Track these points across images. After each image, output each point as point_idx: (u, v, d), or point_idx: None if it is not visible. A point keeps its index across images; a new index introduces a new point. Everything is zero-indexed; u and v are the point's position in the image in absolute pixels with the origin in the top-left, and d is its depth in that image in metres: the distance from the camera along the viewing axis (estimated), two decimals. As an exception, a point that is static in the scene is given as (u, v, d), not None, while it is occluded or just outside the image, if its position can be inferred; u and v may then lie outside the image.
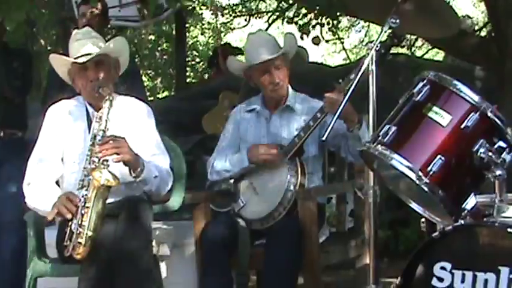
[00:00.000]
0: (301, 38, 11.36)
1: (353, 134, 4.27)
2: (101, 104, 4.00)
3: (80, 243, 3.71)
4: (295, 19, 11.57)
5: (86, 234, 3.70)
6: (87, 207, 3.74)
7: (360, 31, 20.89)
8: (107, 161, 3.80)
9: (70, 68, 4.20)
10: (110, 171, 3.77)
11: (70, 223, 3.77)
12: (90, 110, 4.17)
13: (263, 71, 4.51)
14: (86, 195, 3.77)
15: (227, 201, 4.58)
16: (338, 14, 9.57)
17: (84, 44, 4.16)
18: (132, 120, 4.24)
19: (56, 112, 4.28)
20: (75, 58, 4.14)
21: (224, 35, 21.58)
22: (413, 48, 14.67)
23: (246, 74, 4.65)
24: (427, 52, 16.58)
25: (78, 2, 7.28)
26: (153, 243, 4.14)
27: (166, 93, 21.63)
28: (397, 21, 3.34)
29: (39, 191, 4.06)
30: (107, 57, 4.19)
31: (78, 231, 3.71)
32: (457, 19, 3.50)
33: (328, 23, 11.85)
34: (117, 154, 3.84)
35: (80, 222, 3.72)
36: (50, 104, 4.61)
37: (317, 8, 9.05)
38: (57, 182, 4.20)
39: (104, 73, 4.12)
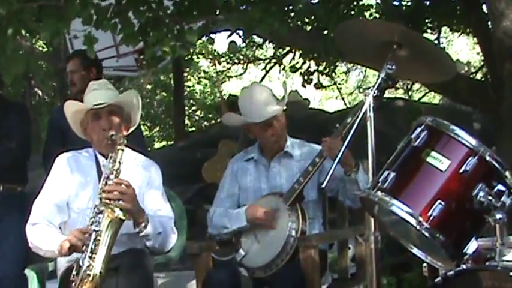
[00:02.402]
0: (303, 85, 11.44)
1: (350, 178, 4.28)
2: (112, 151, 4.03)
3: (88, 275, 3.70)
4: (297, 65, 11.66)
5: (95, 268, 3.70)
6: (98, 240, 3.75)
7: (359, 75, 21.06)
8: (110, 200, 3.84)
9: (83, 118, 4.25)
10: (121, 208, 3.80)
11: (78, 259, 3.78)
12: (101, 159, 4.19)
13: (264, 126, 4.52)
14: (98, 230, 3.78)
15: (228, 250, 4.57)
16: (334, 59, 9.64)
17: (100, 94, 4.23)
18: (140, 176, 4.25)
19: (65, 160, 4.30)
20: (92, 105, 4.20)
21: (221, 83, 21.73)
22: (410, 92, 14.76)
23: (244, 127, 4.66)
24: (424, 95, 16.66)
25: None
26: (155, 294, 4.12)
27: (164, 142, 21.70)
28: (393, 67, 3.37)
29: (43, 231, 4.06)
30: (120, 109, 4.25)
31: (88, 264, 3.71)
32: (453, 64, 3.52)
33: (324, 69, 11.95)
34: (122, 200, 3.86)
35: (90, 255, 3.73)
36: (49, 157, 4.62)
37: (314, 55, 9.12)
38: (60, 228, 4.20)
39: (116, 123, 4.18)
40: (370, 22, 4.43)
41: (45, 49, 14.32)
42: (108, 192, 3.86)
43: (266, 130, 4.53)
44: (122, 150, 4.02)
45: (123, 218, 3.80)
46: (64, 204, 4.18)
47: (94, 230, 3.79)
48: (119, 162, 3.99)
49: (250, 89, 4.69)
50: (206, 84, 23.96)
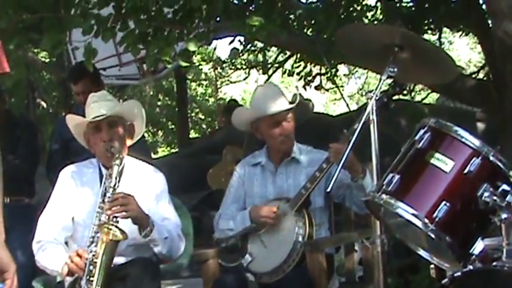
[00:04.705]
0: (304, 88, 11.47)
1: (357, 184, 4.28)
2: (111, 164, 4.04)
3: None
4: (297, 70, 11.70)
5: None
6: (96, 262, 3.77)
7: (360, 78, 21.06)
8: (116, 217, 3.86)
9: (85, 130, 4.25)
10: (117, 227, 3.81)
11: (80, 280, 3.80)
12: (104, 171, 4.19)
13: (273, 123, 4.52)
14: (95, 251, 3.81)
15: (235, 256, 4.57)
16: (336, 62, 9.65)
17: (100, 106, 4.22)
18: (145, 185, 4.27)
19: (69, 174, 4.31)
20: (90, 118, 4.20)
21: (219, 88, 21.79)
22: (413, 93, 14.75)
23: (253, 126, 4.66)
24: (427, 96, 16.66)
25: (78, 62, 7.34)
26: (163, 302, 4.13)
27: (168, 148, 21.71)
28: (395, 69, 3.38)
29: (48, 250, 4.08)
30: (121, 119, 4.25)
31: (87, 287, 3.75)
32: (454, 65, 3.53)
33: (326, 72, 11.97)
34: (125, 211, 3.89)
35: (88, 278, 3.76)
36: (53, 168, 4.62)
37: (316, 58, 9.11)
38: (66, 243, 4.22)
39: (117, 134, 4.18)
40: (370, 26, 4.45)
41: (48, 60, 14.34)
42: (107, 210, 3.89)
43: (274, 128, 4.53)
44: (118, 165, 4.02)
45: (120, 237, 3.81)
46: (69, 220, 4.19)
47: (91, 252, 3.82)
48: (116, 178, 3.99)
49: (263, 87, 4.81)
50: (207, 86, 24.01)
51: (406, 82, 3.96)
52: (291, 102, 4.58)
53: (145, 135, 5.71)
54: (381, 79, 3.42)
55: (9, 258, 2.72)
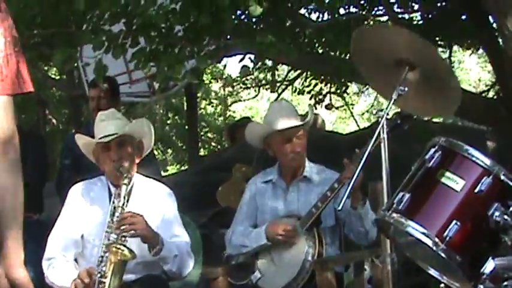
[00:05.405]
0: (315, 107, 11.50)
1: (356, 212, 4.28)
2: (121, 182, 4.04)
3: None
4: (307, 89, 11.73)
5: None
6: (104, 282, 3.77)
7: (370, 96, 21.05)
8: (124, 236, 3.85)
9: (94, 148, 4.25)
10: (126, 246, 3.81)
11: None
12: (113, 189, 4.20)
13: (285, 139, 4.51)
14: (104, 270, 3.80)
15: (245, 274, 4.56)
16: (346, 80, 9.67)
17: (108, 125, 4.23)
18: (154, 203, 4.27)
19: (79, 191, 4.32)
20: (98, 138, 4.19)
21: (229, 105, 21.79)
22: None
23: (266, 141, 4.65)
24: (436, 114, 16.61)
25: (89, 80, 7.37)
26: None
27: (177, 166, 21.69)
28: (405, 89, 3.38)
29: (58, 267, 4.09)
30: (130, 138, 4.25)
31: None
32: (460, 95, 3.54)
33: (337, 89, 11.99)
34: (134, 230, 3.88)
35: None
36: (63, 184, 4.61)
37: (326, 76, 9.14)
38: (76, 260, 4.22)
39: (126, 153, 4.18)
40: (388, 30, 4.40)
41: (58, 77, 14.38)
42: (116, 229, 3.89)
43: (285, 144, 4.52)
44: (126, 184, 4.03)
45: (128, 257, 3.80)
46: (79, 237, 4.20)
47: (99, 272, 3.82)
48: (124, 197, 4.00)
49: (276, 103, 4.83)
50: (217, 105, 24.05)
51: (408, 111, 3.96)
52: (302, 119, 4.59)
53: (155, 152, 5.71)
54: (391, 98, 3.41)
55: (29, 280, 2.71)
